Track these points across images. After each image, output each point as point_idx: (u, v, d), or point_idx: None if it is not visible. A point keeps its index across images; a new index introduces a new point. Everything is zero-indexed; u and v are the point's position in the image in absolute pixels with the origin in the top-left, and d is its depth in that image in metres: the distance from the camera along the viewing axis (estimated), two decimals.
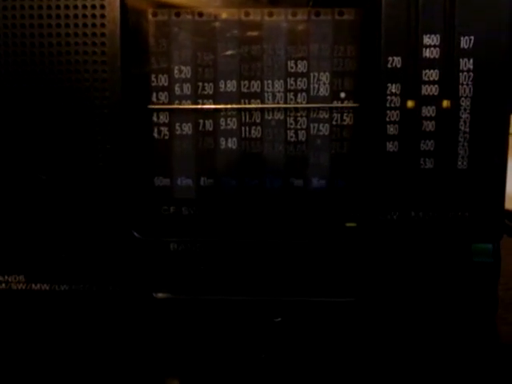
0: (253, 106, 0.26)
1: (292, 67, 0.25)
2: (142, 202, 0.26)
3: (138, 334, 0.26)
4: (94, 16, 0.25)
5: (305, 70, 0.25)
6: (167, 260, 0.26)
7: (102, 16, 0.25)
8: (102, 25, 0.25)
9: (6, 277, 0.27)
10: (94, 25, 0.25)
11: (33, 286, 0.27)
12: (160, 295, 0.27)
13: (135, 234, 0.26)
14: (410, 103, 0.25)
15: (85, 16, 0.25)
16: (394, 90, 0.25)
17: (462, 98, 0.25)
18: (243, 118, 0.26)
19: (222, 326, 0.26)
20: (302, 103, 0.26)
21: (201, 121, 0.26)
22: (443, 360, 0.24)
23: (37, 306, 0.27)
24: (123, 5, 0.25)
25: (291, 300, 0.26)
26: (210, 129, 0.26)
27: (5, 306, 0.27)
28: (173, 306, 0.27)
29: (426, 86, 0.25)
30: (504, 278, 0.27)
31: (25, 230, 0.26)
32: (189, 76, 0.26)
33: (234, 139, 0.26)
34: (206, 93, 0.26)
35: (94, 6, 0.25)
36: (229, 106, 0.26)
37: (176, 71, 0.26)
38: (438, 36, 0.24)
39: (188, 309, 0.27)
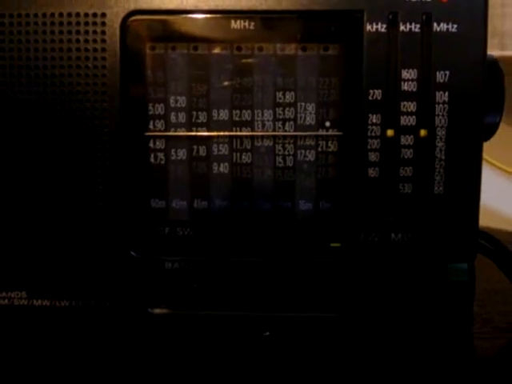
0: (243, 133, 0.27)
1: (280, 98, 0.27)
2: (138, 222, 0.28)
3: (134, 347, 0.27)
4: (95, 50, 0.26)
5: (292, 101, 0.27)
6: (162, 277, 0.28)
7: (103, 50, 0.26)
8: (103, 58, 0.26)
9: (9, 293, 0.28)
10: (95, 58, 0.26)
11: (34, 301, 0.28)
12: (155, 311, 0.28)
13: (132, 253, 0.28)
14: (389, 132, 0.27)
15: (87, 50, 0.26)
16: (374, 120, 0.27)
17: (438, 128, 0.27)
18: (234, 144, 0.27)
19: (214, 339, 0.28)
20: (289, 131, 0.27)
21: (195, 147, 0.28)
22: (422, 373, 0.26)
23: (38, 321, 0.28)
24: (123, 39, 0.26)
25: (279, 315, 0.28)
26: (204, 154, 0.28)
27: (7, 321, 0.28)
28: (167, 321, 0.28)
29: (405, 116, 0.27)
30: (480, 294, 0.29)
31: (27, 249, 0.28)
32: (184, 105, 0.27)
33: (226, 164, 0.28)
34: (199, 121, 0.27)
35: (95, 41, 0.26)
36: (221, 134, 0.27)
37: (172, 101, 0.27)
38: (415, 71, 0.26)
39: (182, 323, 0.28)
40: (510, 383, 0.25)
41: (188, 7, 0.26)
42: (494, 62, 0.28)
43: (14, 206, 0.27)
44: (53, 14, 0.26)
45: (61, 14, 0.26)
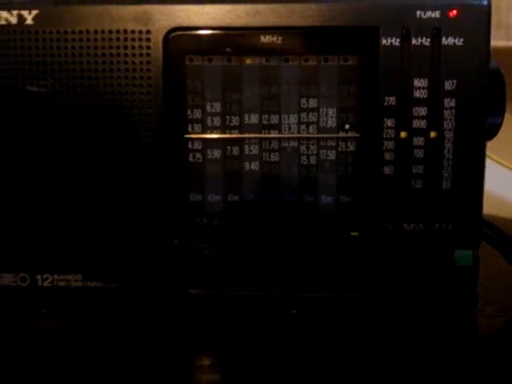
0: (272, 135, 0.31)
1: (304, 103, 0.30)
2: (179, 214, 0.31)
3: (176, 323, 0.31)
4: (141, 62, 0.30)
5: (315, 106, 0.30)
6: (200, 262, 0.31)
7: (148, 62, 0.30)
8: (148, 69, 0.30)
9: (66, 275, 0.32)
10: (141, 69, 0.30)
11: (89, 283, 0.32)
12: (194, 291, 0.32)
13: (175, 241, 0.31)
14: (403, 134, 0.30)
15: (134, 62, 0.30)
16: (389, 124, 0.30)
17: (446, 130, 0.30)
18: (264, 145, 0.31)
19: (246, 316, 0.31)
20: (312, 133, 0.30)
21: (228, 147, 0.31)
22: (431, 347, 0.29)
23: (92, 301, 0.32)
24: (165, 53, 0.30)
25: (305, 295, 0.32)
26: (236, 154, 0.31)
27: (64, 300, 0.32)
28: (204, 300, 0.32)
29: (417, 120, 0.30)
30: (483, 278, 0.32)
31: (84, 237, 0.31)
32: (219, 110, 0.31)
33: (256, 163, 0.31)
34: (232, 124, 0.31)
35: (141, 54, 0.30)
36: (252, 136, 0.31)
37: (208, 107, 0.31)
38: (426, 80, 0.29)
39: (217, 302, 0.32)
40: (508, 357, 0.29)
41: (222, 24, 0.30)
42: (496, 70, 0.31)
43: (75, 199, 0.31)
44: (103, 31, 0.30)
45: (110, 31, 0.30)
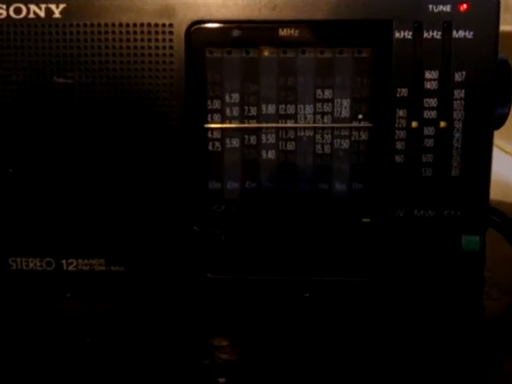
0: (288, 125, 0.32)
1: (320, 94, 0.32)
2: (199, 201, 0.33)
3: (195, 305, 0.32)
4: (164, 54, 0.31)
5: (330, 97, 0.32)
6: (219, 247, 0.33)
7: (171, 55, 0.31)
8: (171, 62, 0.31)
9: (90, 260, 0.33)
10: (164, 62, 0.31)
11: (112, 267, 0.33)
12: (212, 275, 0.33)
13: (195, 227, 0.33)
14: (414, 124, 0.31)
15: (157, 55, 0.31)
16: (401, 114, 0.31)
17: (456, 121, 0.31)
18: (280, 134, 0.32)
19: (262, 298, 0.33)
20: (327, 123, 0.32)
21: (246, 137, 0.32)
22: (440, 327, 0.31)
23: (114, 285, 0.33)
24: (187, 45, 0.31)
25: (318, 279, 0.33)
26: (254, 143, 0.32)
27: (88, 284, 0.34)
28: (223, 284, 0.33)
29: (427, 110, 0.31)
30: (489, 262, 0.33)
31: (108, 223, 0.33)
32: (237, 101, 0.32)
33: (273, 151, 0.32)
34: (251, 114, 0.32)
35: (164, 47, 0.31)
36: (269, 125, 0.32)
37: (227, 97, 0.32)
38: (436, 71, 0.31)
39: (235, 286, 0.33)
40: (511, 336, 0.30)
41: (241, 17, 0.31)
42: (504, 62, 0.32)
43: (99, 187, 0.32)
44: (128, 24, 0.31)
45: (134, 25, 0.31)
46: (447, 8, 0.30)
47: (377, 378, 0.26)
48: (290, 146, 0.32)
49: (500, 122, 0.33)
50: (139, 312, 0.32)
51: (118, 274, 0.33)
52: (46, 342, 0.29)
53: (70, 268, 0.33)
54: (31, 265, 0.33)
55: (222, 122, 0.32)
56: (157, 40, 0.31)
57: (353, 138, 0.32)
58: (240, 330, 0.30)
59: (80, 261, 0.33)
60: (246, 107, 0.32)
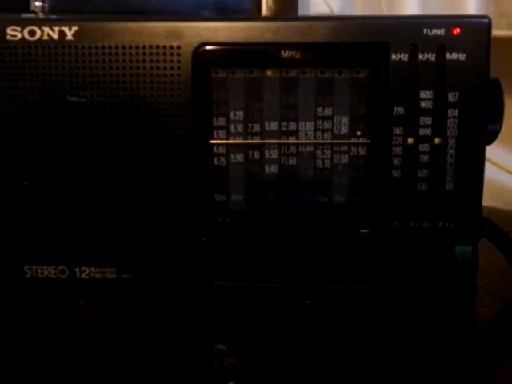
0: (290, 141, 0.33)
1: (320, 112, 0.33)
2: (206, 213, 0.34)
3: (202, 311, 0.34)
4: (172, 75, 0.33)
5: (330, 114, 0.33)
6: (225, 257, 0.35)
7: (179, 75, 0.33)
8: (179, 81, 0.33)
9: (102, 268, 0.35)
10: (172, 82, 0.33)
11: (122, 275, 0.35)
12: (219, 283, 0.35)
13: (202, 238, 0.34)
14: (410, 141, 0.33)
15: (165, 75, 0.33)
16: (398, 131, 0.33)
17: (450, 138, 0.33)
18: (283, 150, 0.34)
19: (266, 305, 0.34)
20: (327, 139, 0.33)
21: (250, 152, 0.34)
22: (434, 334, 0.32)
23: (125, 292, 0.35)
24: (194, 66, 0.33)
25: (319, 287, 0.35)
26: (257, 158, 0.34)
27: (100, 291, 0.35)
28: (228, 291, 0.35)
29: (422, 128, 0.33)
30: (482, 270, 0.35)
31: (119, 233, 0.34)
32: (241, 118, 0.33)
33: (276, 166, 0.34)
34: (254, 131, 0.34)
35: (172, 67, 0.33)
36: (272, 141, 0.34)
37: (232, 115, 0.33)
38: (431, 91, 0.32)
39: (240, 293, 0.35)
40: (505, 341, 0.32)
41: (246, 40, 0.33)
42: (495, 81, 0.34)
43: (111, 200, 0.34)
44: (138, 46, 0.32)
45: (144, 46, 0.32)
46: (441, 32, 0.32)
47: (375, 381, 0.28)
48: (292, 161, 0.34)
49: (492, 138, 0.34)
50: (149, 318, 0.33)
51: (129, 281, 0.35)
52: (59, 346, 0.31)
53: (83, 276, 0.35)
54: (45, 272, 0.35)
55: (226, 138, 0.34)
56: (165, 61, 0.33)
57: (352, 154, 0.34)
58: (245, 335, 0.32)
59: (92, 269, 0.35)
60: (250, 124, 0.34)
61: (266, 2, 0.76)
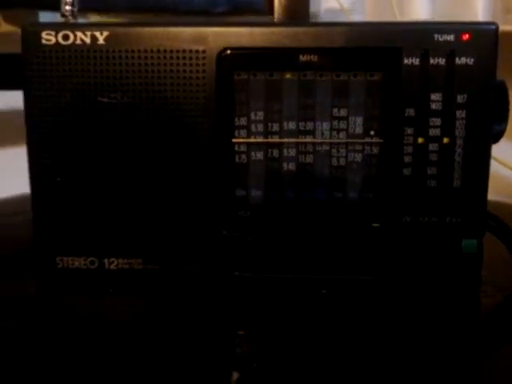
0: (307, 140, 0.36)
1: (336, 113, 0.35)
2: (227, 208, 0.36)
3: (224, 300, 0.36)
4: (197, 78, 0.35)
5: (345, 115, 0.35)
6: (245, 249, 0.37)
7: (204, 77, 0.35)
8: (204, 84, 0.35)
9: (129, 259, 0.37)
10: (197, 84, 0.35)
11: (148, 266, 0.37)
12: (239, 273, 0.37)
13: (223, 231, 0.36)
14: (420, 140, 0.35)
15: (191, 78, 0.35)
16: (409, 131, 0.35)
17: (458, 137, 0.35)
18: (300, 148, 0.36)
19: (283, 295, 0.37)
20: (342, 139, 0.35)
21: (269, 150, 0.36)
22: (440, 322, 0.34)
23: (151, 282, 0.37)
24: (218, 69, 0.35)
25: (333, 277, 0.37)
26: (276, 156, 0.36)
27: (127, 280, 0.38)
28: (249, 281, 0.37)
29: (432, 129, 0.35)
30: (486, 262, 0.37)
31: (146, 226, 0.36)
32: (262, 118, 0.36)
33: (294, 163, 0.36)
34: (273, 130, 0.36)
35: (197, 71, 0.35)
36: (290, 140, 0.36)
37: (253, 115, 0.35)
38: (441, 94, 0.34)
39: (260, 283, 0.37)
40: (506, 328, 0.34)
41: (266, 45, 0.35)
42: (501, 83, 0.36)
43: (138, 195, 0.36)
44: (165, 50, 0.35)
45: (171, 50, 0.35)
46: (451, 37, 0.34)
47: (380, 366, 0.30)
48: (309, 159, 0.36)
49: (497, 138, 0.37)
50: (173, 305, 0.36)
51: (154, 272, 0.37)
52: (88, 333, 0.33)
53: (112, 266, 0.37)
54: (76, 263, 0.37)
55: (247, 137, 0.36)
56: (191, 64, 0.35)
57: (365, 152, 0.36)
58: (263, 322, 0.34)
59: (120, 260, 0.37)
60: (270, 124, 0.36)
61: (279, 1, 0.78)
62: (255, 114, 0.36)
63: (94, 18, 0.77)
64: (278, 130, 0.36)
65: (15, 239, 0.47)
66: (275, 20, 0.77)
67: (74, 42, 0.35)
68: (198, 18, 0.82)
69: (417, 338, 0.32)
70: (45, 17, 0.78)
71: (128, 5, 0.74)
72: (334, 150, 0.36)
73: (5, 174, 0.79)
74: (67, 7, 0.38)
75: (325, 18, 0.85)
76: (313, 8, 0.81)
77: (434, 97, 0.34)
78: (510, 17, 0.84)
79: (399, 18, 0.82)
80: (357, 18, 0.87)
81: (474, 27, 0.34)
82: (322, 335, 0.32)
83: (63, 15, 0.38)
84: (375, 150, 0.35)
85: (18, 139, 0.82)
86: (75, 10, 0.38)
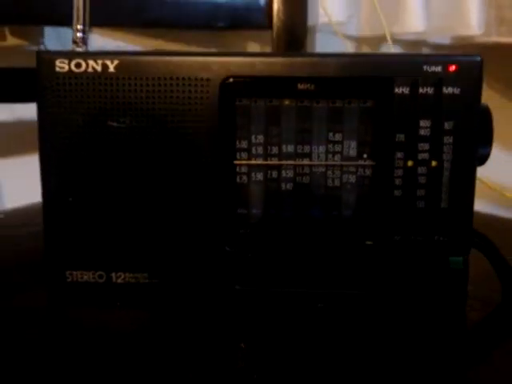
0: (305, 162, 0.38)
1: (331, 137, 0.38)
2: (229, 225, 0.39)
3: (225, 312, 0.39)
4: (202, 104, 0.37)
5: (340, 139, 0.38)
6: (245, 264, 0.39)
7: (207, 103, 0.37)
8: (208, 109, 0.37)
9: (136, 274, 0.39)
10: (202, 109, 0.37)
11: (154, 280, 0.39)
12: (239, 287, 0.39)
13: (226, 247, 0.39)
14: (409, 163, 0.37)
15: (196, 103, 0.37)
16: (399, 155, 0.37)
17: (445, 161, 0.37)
18: (298, 170, 0.38)
19: (281, 308, 0.39)
20: (337, 161, 0.38)
21: (269, 171, 0.38)
22: (428, 336, 0.36)
23: (156, 295, 0.39)
24: (221, 96, 0.37)
25: (328, 292, 0.39)
26: (275, 177, 0.38)
27: (133, 294, 0.40)
28: (249, 295, 0.39)
29: (421, 153, 0.37)
30: (472, 277, 0.39)
31: (152, 243, 0.39)
32: (262, 142, 0.38)
33: (291, 184, 0.38)
34: (273, 153, 0.38)
35: (202, 97, 0.37)
36: (288, 162, 0.38)
37: (253, 138, 0.38)
38: (429, 120, 0.37)
39: (259, 297, 0.39)
40: (491, 339, 0.36)
41: (266, 74, 0.37)
42: (485, 109, 0.38)
43: (144, 214, 0.38)
44: (171, 78, 0.37)
45: (177, 78, 0.37)
46: (439, 68, 0.36)
47: (372, 375, 0.32)
48: (306, 180, 0.38)
49: (483, 160, 0.39)
50: (177, 318, 0.38)
51: (159, 285, 0.39)
52: (96, 343, 0.35)
53: (119, 280, 0.39)
54: (85, 277, 0.39)
55: (248, 159, 0.38)
56: (196, 91, 0.37)
57: (358, 174, 0.38)
58: (262, 333, 0.36)
59: (127, 274, 0.39)
60: (269, 147, 0.38)
61: (277, 15, 0.80)
62: (256, 138, 0.38)
63: (96, 32, 0.79)
64: (277, 152, 0.38)
65: (24, 251, 0.49)
66: (274, 34, 0.80)
67: (85, 70, 0.37)
68: (200, 32, 0.84)
69: (407, 348, 0.35)
70: (49, 31, 0.81)
71: (131, 20, 0.76)
72: (329, 172, 0.38)
73: (12, 183, 0.81)
74: (79, 34, 0.40)
75: (321, 30, 0.88)
76: (310, 22, 0.84)
77: (422, 123, 0.37)
78: (504, 28, 0.87)
79: (395, 30, 0.85)
80: (351, 30, 0.89)
81: (460, 59, 0.36)
82: (317, 346, 0.34)
83: (74, 42, 0.40)
84: (368, 172, 0.38)
85: (23, 150, 0.84)
86: (87, 36, 0.40)
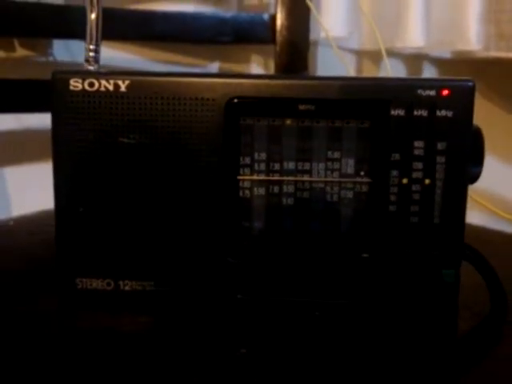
0: (305, 178, 0.40)
1: (330, 155, 0.40)
2: (232, 238, 0.41)
3: (228, 320, 0.40)
4: (207, 122, 0.39)
5: (339, 157, 0.40)
6: (248, 275, 0.41)
7: (213, 122, 0.39)
8: (213, 127, 0.39)
9: (142, 282, 0.41)
10: (207, 127, 0.39)
11: (160, 288, 0.41)
12: (241, 296, 0.41)
13: (229, 258, 0.41)
14: (404, 181, 0.39)
15: (202, 122, 0.39)
16: (394, 173, 0.39)
17: (438, 180, 0.39)
18: (298, 185, 0.40)
19: (281, 316, 0.41)
20: (336, 178, 0.40)
21: (271, 186, 0.40)
22: (420, 344, 0.38)
23: (162, 303, 0.41)
24: (226, 115, 0.39)
25: (326, 301, 0.41)
26: (277, 192, 0.40)
27: (139, 301, 0.42)
28: (250, 304, 0.41)
29: (415, 171, 0.39)
30: (463, 289, 0.41)
31: (158, 253, 0.41)
32: (264, 158, 0.40)
33: (292, 198, 0.40)
34: (274, 169, 0.40)
35: (207, 116, 0.39)
36: (289, 178, 0.40)
37: (256, 155, 0.40)
38: (423, 141, 0.39)
39: (260, 306, 0.41)
40: (480, 349, 0.38)
41: (268, 95, 0.39)
42: (477, 130, 0.40)
43: (152, 225, 0.40)
44: (179, 97, 0.39)
45: (185, 98, 0.39)
46: (432, 92, 0.38)
47: (366, 379, 0.34)
48: (306, 195, 0.40)
49: (474, 179, 0.41)
50: (181, 325, 0.40)
51: (165, 293, 0.41)
52: (104, 348, 0.37)
53: (126, 288, 0.41)
54: (94, 284, 0.41)
55: (251, 175, 0.40)
56: (202, 110, 0.39)
57: (356, 190, 0.40)
58: (263, 340, 0.38)
59: (134, 282, 0.41)
60: (271, 163, 0.40)
61: (281, 30, 0.82)
62: (258, 155, 0.40)
63: (104, 44, 0.82)
64: (278, 168, 0.40)
65: (35, 258, 0.51)
66: (277, 48, 0.82)
67: (98, 89, 0.39)
68: (206, 46, 0.87)
69: (400, 356, 0.36)
70: (58, 43, 0.83)
71: (137, 33, 0.78)
72: (328, 188, 0.40)
73: (20, 190, 0.83)
74: (91, 54, 0.42)
75: (323, 44, 0.90)
76: (312, 37, 0.86)
77: (417, 144, 0.39)
78: (503, 43, 0.89)
79: (395, 45, 0.87)
80: (353, 44, 0.92)
81: (453, 84, 0.38)
82: (315, 353, 0.36)
83: (87, 60, 0.42)
84: (365, 189, 0.40)
85: (33, 158, 0.86)
86: (98, 56, 0.42)
